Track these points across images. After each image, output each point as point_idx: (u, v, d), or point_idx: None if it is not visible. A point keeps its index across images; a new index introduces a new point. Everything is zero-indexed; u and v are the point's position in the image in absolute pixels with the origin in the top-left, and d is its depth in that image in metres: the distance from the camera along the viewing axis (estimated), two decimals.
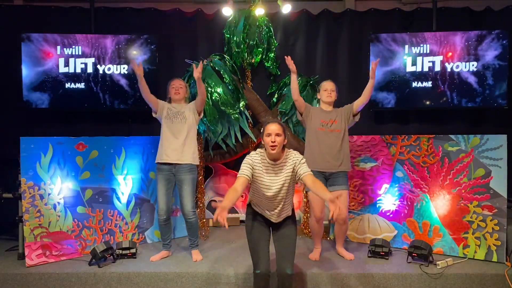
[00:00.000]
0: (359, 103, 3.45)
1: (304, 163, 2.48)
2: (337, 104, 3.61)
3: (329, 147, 3.38)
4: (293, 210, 2.66)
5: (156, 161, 3.47)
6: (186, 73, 4.37)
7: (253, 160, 2.49)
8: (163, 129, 3.45)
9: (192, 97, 4.17)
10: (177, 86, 3.51)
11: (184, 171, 3.40)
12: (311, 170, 2.53)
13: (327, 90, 3.47)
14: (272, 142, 2.41)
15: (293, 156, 2.50)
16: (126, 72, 4.51)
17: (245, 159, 2.51)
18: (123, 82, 4.51)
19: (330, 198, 2.22)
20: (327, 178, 3.41)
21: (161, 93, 3.76)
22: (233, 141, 4.39)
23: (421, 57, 4.48)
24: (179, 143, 3.39)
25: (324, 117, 3.45)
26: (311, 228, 3.57)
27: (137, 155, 3.94)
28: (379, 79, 4.52)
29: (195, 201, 3.50)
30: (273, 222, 2.62)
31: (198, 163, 3.54)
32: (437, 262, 3.22)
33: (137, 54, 4.51)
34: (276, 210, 2.55)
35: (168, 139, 3.41)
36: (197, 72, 3.30)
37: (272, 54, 4.64)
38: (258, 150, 2.56)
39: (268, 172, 2.48)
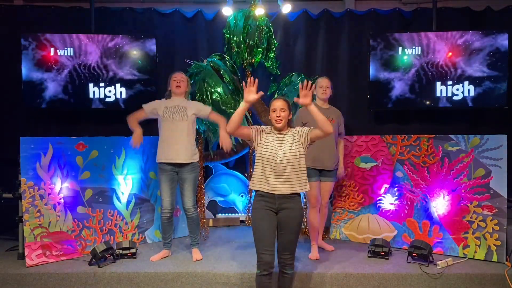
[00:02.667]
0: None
1: (304, 128, 2.69)
2: (335, 102, 3.67)
3: (325, 147, 3.47)
4: (300, 202, 2.63)
5: (158, 161, 3.46)
6: (186, 73, 4.37)
7: (262, 128, 2.70)
8: (163, 128, 3.41)
9: (192, 96, 4.18)
10: (179, 79, 3.47)
11: (187, 170, 3.40)
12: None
13: (322, 87, 3.58)
14: (277, 116, 2.59)
15: (295, 129, 2.68)
16: (126, 72, 4.51)
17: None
18: (123, 82, 4.50)
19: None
20: (320, 172, 3.55)
21: (161, 94, 3.76)
22: (233, 141, 4.39)
23: (420, 58, 4.48)
24: (181, 142, 3.37)
25: None
26: (309, 222, 3.59)
27: (137, 155, 3.94)
28: (378, 79, 4.52)
29: (196, 199, 3.49)
30: (281, 208, 2.57)
31: (198, 159, 3.53)
32: (437, 262, 3.22)
33: (137, 54, 4.51)
34: (283, 177, 2.55)
35: (169, 138, 3.38)
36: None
37: (272, 54, 4.64)
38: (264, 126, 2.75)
39: (274, 141, 2.62)
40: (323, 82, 3.58)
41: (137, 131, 3.42)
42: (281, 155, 2.54)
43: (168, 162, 3.38)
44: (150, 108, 3.46)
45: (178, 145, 3.36)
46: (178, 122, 3.38)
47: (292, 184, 2.56)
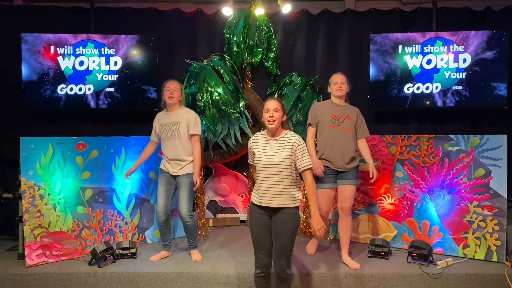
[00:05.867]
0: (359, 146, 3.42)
1: (304, 152, 2.52)
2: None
3: (341, 146, 3.28)
4: (297, 208, 2.59)
5: (160, 167, 3.50)
6: (186, 73, 4.38)
7: (252, 143, 2.63)
8: (162, 144, 3.47)
9: (192, 99, 4.18)
10: (172, 89, 3.40)
11: (183, 176, 3.40)
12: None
13: (337, 83, 3.34)
14: (270, 117, 2.51)
15: (293, 138, 2.54)
16: (126, 72, 4.51)
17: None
18: (123, 82, 4.50)
19: (315, 223, 2.50)
20: (337, 174, 3.36)
21: (161, 94, 3.74)
22: (233, 141, 4.39)
23: (420, 58, 4.48)
24: (178, 158, 3.38)
25: (336, 111, 3.34)
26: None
27: (137, 155, 3.92)
28: (379, 80, 4.52)
29: (192, 205, 3.46)
30: (274, 213, 2.54)
31: None
32: (437, 262, 3.23)
33: (136, 54, 4.51)
34: (275, 188, 2.50)
35: (167, 154, 3.42)
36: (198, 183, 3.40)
37: (272, 54, 4.64)
38: (259, 132, 2.69)
39: (264, 147, 2.56)
40: (338, 78, 3.35)
41: (132, 168, 3.59)
42: (271, 160, 2.49)
43: (168, 173, 3.43)
44: (152, 134, 3.56)
45: (175, 161, 3.39)
46: (173, 140, 3.39)
47: (281, 197, 2.49)
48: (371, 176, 3.33)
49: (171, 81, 3.47)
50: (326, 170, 3.32)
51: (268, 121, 2.51)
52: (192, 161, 3.42)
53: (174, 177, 3.43)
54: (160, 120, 3.47)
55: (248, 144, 2.65)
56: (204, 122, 4.19)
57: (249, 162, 2.71)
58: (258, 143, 2.60)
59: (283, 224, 2.51)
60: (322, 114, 3.36)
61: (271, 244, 2.58)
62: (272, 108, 2.52)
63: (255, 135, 2.67)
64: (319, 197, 3.32)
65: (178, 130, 3.38)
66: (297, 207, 2.58)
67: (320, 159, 3.36)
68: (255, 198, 2.59)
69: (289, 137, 2.55)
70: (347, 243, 3.39)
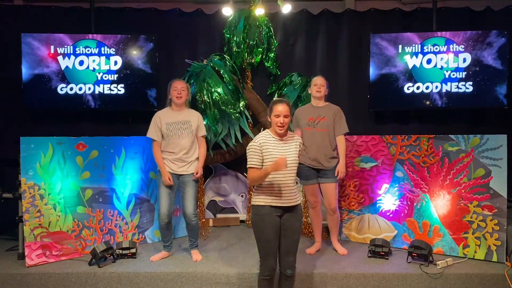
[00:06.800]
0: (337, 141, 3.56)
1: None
2: (335, 102, 3.68)
3: (317, 147, 3.48)
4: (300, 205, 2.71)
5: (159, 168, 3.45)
6: (186, 73, 4.37)
7: (261, 144, 2.56)
8: (169, 143, 3.38)
9: (193, 96, 4.18)
10: (179, 89, 3.40)
11: (188, 176, 3.41)
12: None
13: (317, 85, 3.56)
14: (280, 123, 2.56)
15: (298, 139, 2.71)
16: (126, 72, 4.51)
17: (251, 147, 2.55)
18: (123, 82, 4.50)
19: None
20: (318, 171, 3.55)
21: (161, 93, 3.75)
22: (233, 141, 4.39)
23: (420, 57, 4.47)
24: (186, 156, 3.39)
25: (313, 114, 3.55)
26: (311, 220, 3.74)
27: (137, 155, 3.94)
28: (379, 79, 4.52)
29: (197, 206, 3.48)
30: (286, 212, 2.60)
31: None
32: (437, 262, 3.23)
33: (137, 54, 4.51)
34: (292, 186, 2.60)
35: (174, 154, 3.37)
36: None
37: (272, 54, 4.64)
38: (261, 132, 2.67)
39: (277, 148, 2.60)
40: (318, 80, 3.57)
41: (163, 173, 3.37)
42: (290, 160, 2.56)
43: (172, 173, 3.40)
44: (156, 133, 3.40)
45: (183, 160, 3.39)
46: (184, 138, 3.38)
47: (295, 193, 2.62)
48: (336, 173, 3.50)
49: (178, 81, 3.46)
50: (306, 167, 3.53)
51: (278, 126, 2.56)
52: (196, 159, 3.47)
53: (178, 177, 3.42)
54: (166, 119, 3.41)
55: (257, 145, 2.54)
56: (205, 122, 4.19)
57: (252, 166, 2.52)
58: (269, 143, 2.58)
59: (295, 220, 2.63)
60: (300, 118, 3.60)
61: (278, 245, 2.62)
62: (283, 114, 2.54)
63: (260, 135, 2.61)
64: (306, 192, 3.66)
65: (191, 129, 3.42)
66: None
67: (309, 162, 3.57)
68: (273, 201, 2.55)
69: (296, 138, 2.69)
70: (336, 229, 3.68)
